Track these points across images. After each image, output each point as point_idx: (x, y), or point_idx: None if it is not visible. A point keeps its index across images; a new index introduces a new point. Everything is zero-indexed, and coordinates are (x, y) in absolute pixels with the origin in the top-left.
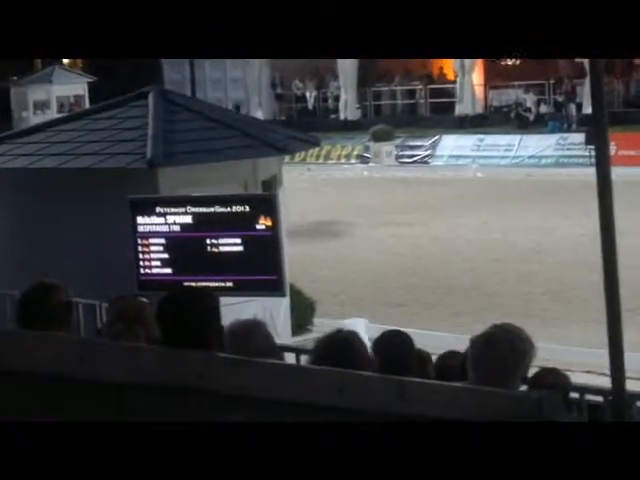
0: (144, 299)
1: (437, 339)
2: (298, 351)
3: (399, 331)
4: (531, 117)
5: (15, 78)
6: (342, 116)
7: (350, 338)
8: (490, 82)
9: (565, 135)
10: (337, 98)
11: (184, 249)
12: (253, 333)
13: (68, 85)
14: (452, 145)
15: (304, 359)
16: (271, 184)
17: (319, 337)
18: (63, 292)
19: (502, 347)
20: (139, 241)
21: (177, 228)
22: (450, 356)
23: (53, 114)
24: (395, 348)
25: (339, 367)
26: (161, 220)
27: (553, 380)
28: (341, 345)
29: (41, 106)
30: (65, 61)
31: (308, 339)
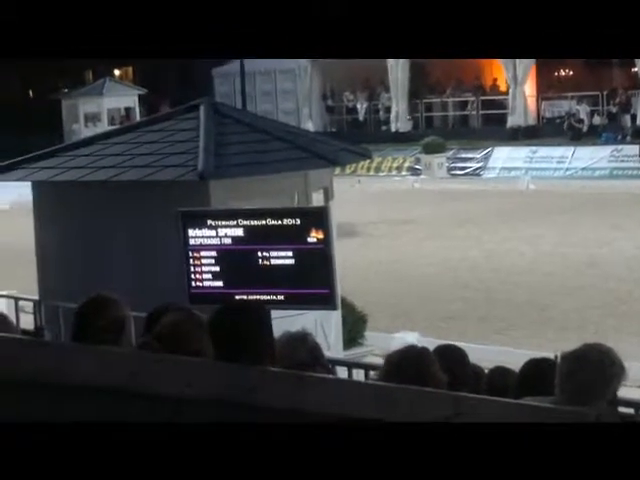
0: (194, 311)
1: (489, 353)
2: (350, 365)
3: (453, 345)
4: (584, 128)
5: (66, 91)
6: (393, 128)
7: (422, 355)
8: (543, 93)
9: (619, 147)
10: (388, 110)
11: (235, 262)
12: (298, 345)
13: (119, 97)
14: (504, 157)
15: (356, 373)
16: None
17: (390, 352)
18: (119, 306)
19: (592, 367)
20: (190, 254)
21: (228, 241)
22: (501, 373)
23: (104, 127)
24: (449, 363)
25: (409, 383)
26: (212, 233)
27: None
28: (412, 361)
29: (92, 119)
30: (116, 73)
31: (360, 353)
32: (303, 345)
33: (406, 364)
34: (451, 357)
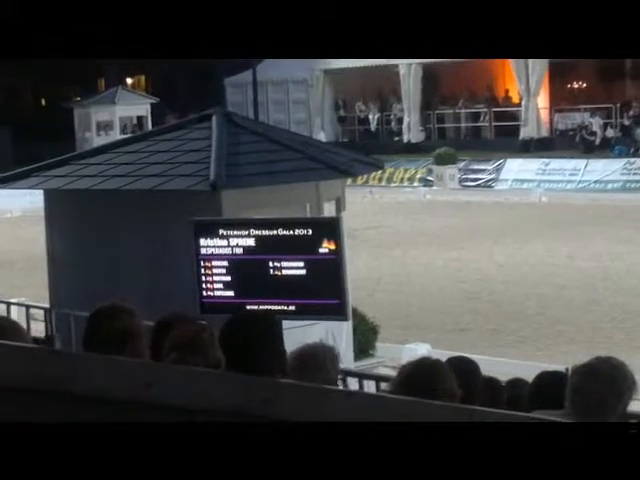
0: (203, 322)
1: (500, 365)
2: (361, 376)
3: (465, 357)
4: (597, 141)
5: (78, 99)
6: (405, 139)
7: (435, 367)
8: (556, 105)
9: (632, 160)
10: (400, 120)
11: (247, 272)
12: (322, 359)
13: (131, 106)
14: (517, 169)
15: (367, 384)
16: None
17: (404, 364)
18: (134, 315)
19: (604, 381)
20: (202, 263)
21: (240, 251)
22: (516, 384)
23: (116, 135)
24: (461, 374)
25: (422, 396)
26: (224, 242)
27: None
28: (426, 373)
29: (104, 127)
30: (129, 82)
31: (370, 364)
32: (328, 358)
33: (419, 376)
34: (464, 369)
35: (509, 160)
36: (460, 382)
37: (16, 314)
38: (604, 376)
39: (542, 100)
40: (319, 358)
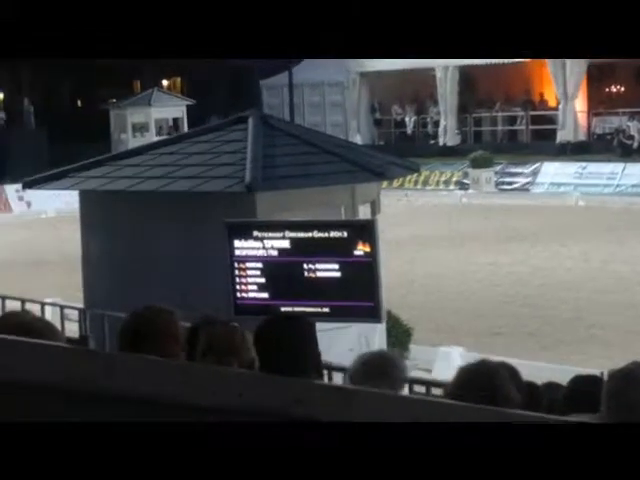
0: (234, 323)
1: (534, 369)
2: None
3: (505, 363)
4: (635, 144)
5: (114, 101)
6: (441, 142)
7: (494, 371)
8: (593, 109)
9: None
10: (437, 124)
11: (281, 274)
12: (390, 366)
13: (167, 108)
14: (553, 172)
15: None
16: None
17: (462, 367)
18: (173, 318)
19: None
20: (236, 265)
21: (274, 252)
22: (551, 388)
23: (152, 137)
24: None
25: (478, 400)
26: (258, 244)
27: None
28: (484, 377)
29: (140, 129)
30: (164, 84)
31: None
32: (395, 366)
33: (476, 379)
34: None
35: (546, 163)
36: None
37: (50, 314)
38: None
39: (579, 103)
40: (387, 365)
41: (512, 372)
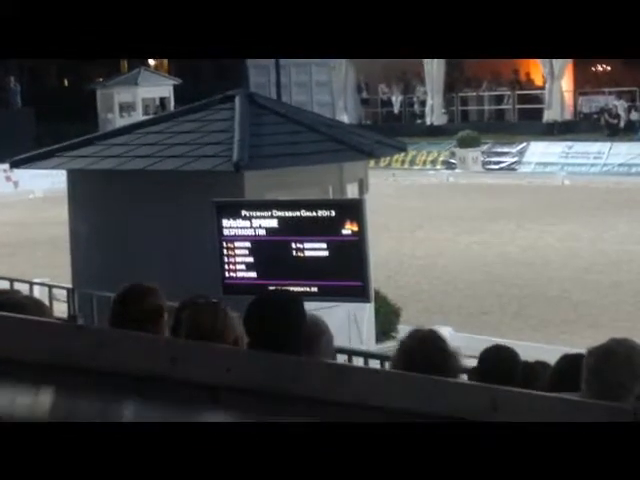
0: (218, 301)
1: (522, 349)
2: (383, 358)
3: (504, 346)
4: (621, 124)
5: (101, 80)
6: (428, 121)
7: (431, 335)
8: (580, 88)
9: None
10: (423, 103)
11: (269, 253)
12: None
13: (154, 87)
14: (540, 152)
15: (388, 366)
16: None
17: (401, 338)
18: (158, 295)
19: (620, 363)
20: (224, 244)
21: (262, 232)
22: (538, 367)
23: (139, 116)
24: (501, 362)
25: (424, 362)
26: (246, 224)
27: None
28: (427, 341)
29: (127, 108)
30: (151, 63)
31: (392, 346)
32: (323, 335)
33: (418, 344)
34: (503, 357)
35: (532, 143)
36: (503, 370)
37: (39, 294)
38: (620, 357)
39: (566, 83)
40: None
41: (513, 355)
